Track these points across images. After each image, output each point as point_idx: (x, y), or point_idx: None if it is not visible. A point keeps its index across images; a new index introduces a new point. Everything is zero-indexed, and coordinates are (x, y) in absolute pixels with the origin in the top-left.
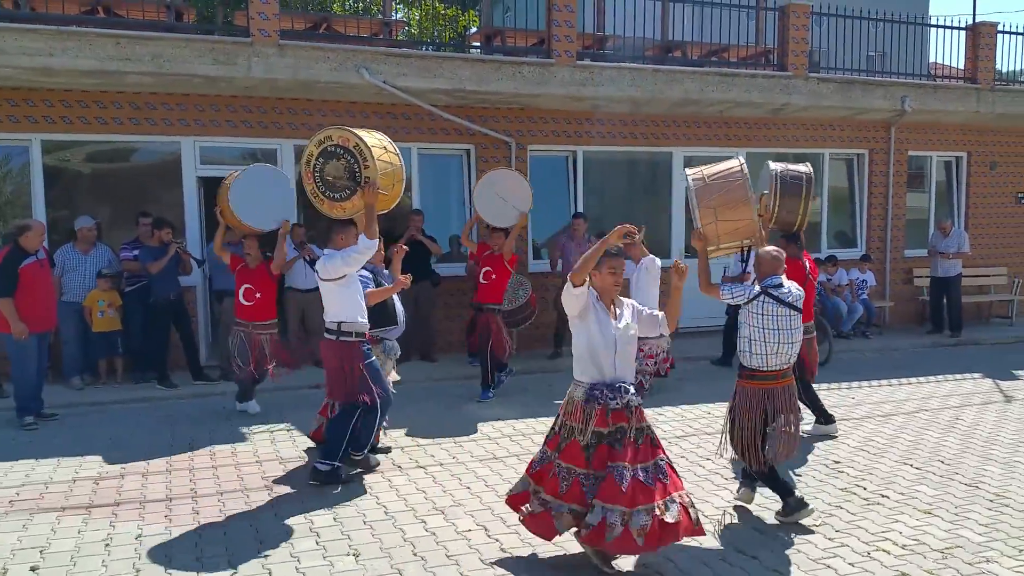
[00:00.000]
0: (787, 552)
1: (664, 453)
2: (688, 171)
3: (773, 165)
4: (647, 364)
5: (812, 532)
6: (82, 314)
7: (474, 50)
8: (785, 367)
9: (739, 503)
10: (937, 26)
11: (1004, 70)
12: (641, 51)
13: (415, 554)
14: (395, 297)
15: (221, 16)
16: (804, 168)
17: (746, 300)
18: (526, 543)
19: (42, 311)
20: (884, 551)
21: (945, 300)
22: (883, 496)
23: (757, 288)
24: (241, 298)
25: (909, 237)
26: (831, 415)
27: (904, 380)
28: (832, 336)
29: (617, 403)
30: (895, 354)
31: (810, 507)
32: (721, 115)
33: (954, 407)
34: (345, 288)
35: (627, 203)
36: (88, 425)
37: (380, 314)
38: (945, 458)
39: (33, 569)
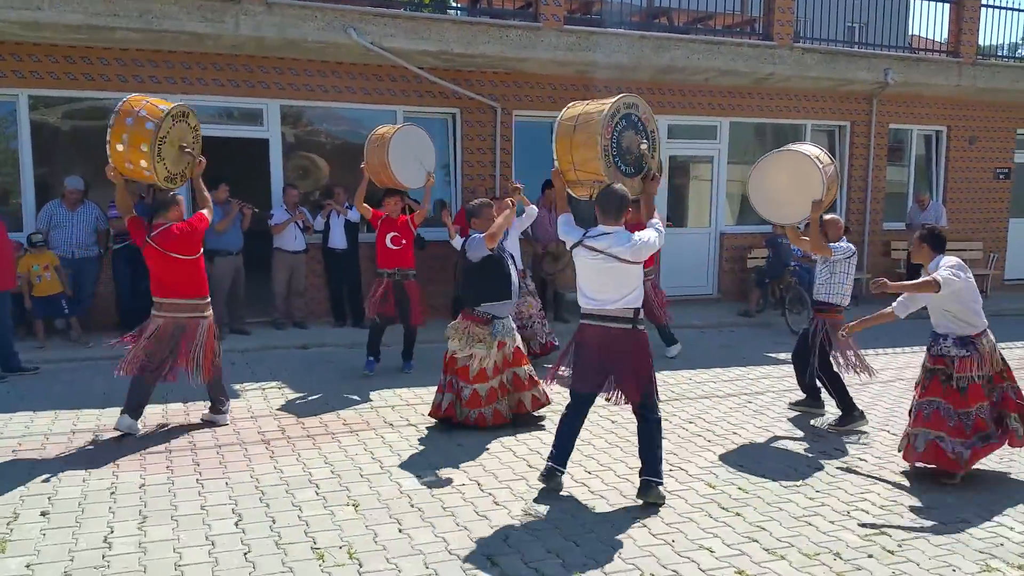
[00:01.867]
0: (770, 511)
1: None
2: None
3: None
4: None
5: (794, 492)
6: (74, 269)
7: (460, 12)
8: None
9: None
10: None
11: (983, 44)
12: (627, 17)
13: (412, 506)
14: (512, 264)
15: None
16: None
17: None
18: (517, 497)
19: (2, 270)
20: (862, 511)
21: (922, 273)
22: (861, 460)
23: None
24: (389, 243)
25: (888, 210)
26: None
27: (881, 350)
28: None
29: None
30: None
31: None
32: (706, 83)
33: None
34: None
35: None
36: (82, 380)
37: (497, 283)
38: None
39: (43, 513)
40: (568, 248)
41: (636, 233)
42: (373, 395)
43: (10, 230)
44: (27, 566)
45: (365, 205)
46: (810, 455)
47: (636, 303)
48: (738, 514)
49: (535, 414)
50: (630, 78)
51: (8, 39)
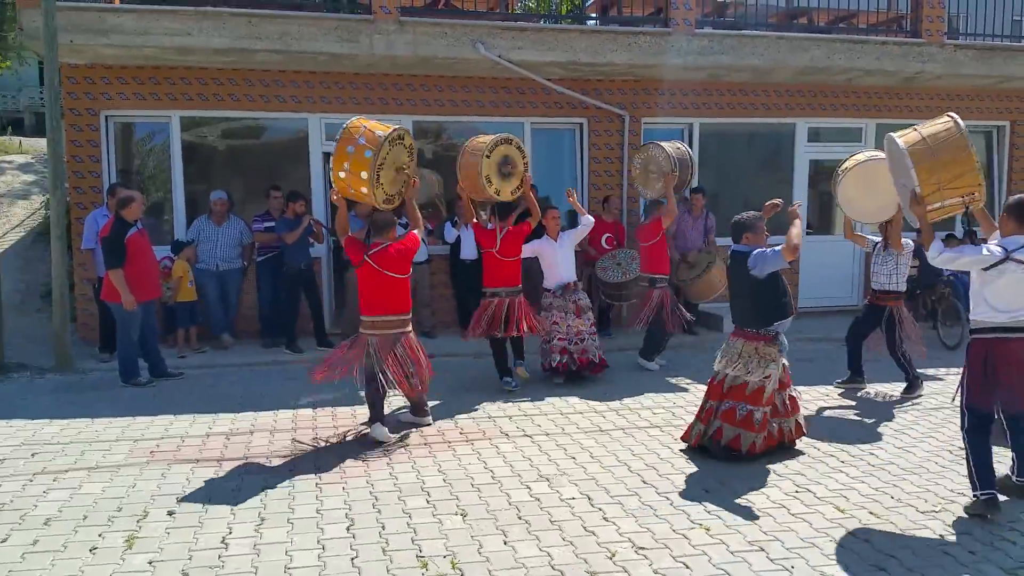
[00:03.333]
0: (903, 539)
1: None
2: (895, 135)
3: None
4: None
5: (932, 517)
6: (218, 279)
7: (591, 22)
8: None
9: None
10: None
11: None
12: (764, 18)
13: (519, 517)
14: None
15: None
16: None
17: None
18: (628, 514)
19: (148, 280)
20: (1010, 541)
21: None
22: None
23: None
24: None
25: None
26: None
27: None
28: (966, 317)
29: None
30: None
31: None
32: (849, 84)
33: None
34: None
35: (746, 178)
36: (222, 385)
37: (786, 297)
38: None
39: (170, 513)
40: (983, 268)
41: None
42: (491, 406)
43: (163, 244)
44: (149, 563)
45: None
46: (953, 479)
47: None
48: (867, 541)
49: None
50: (766, 80)
51: (162, 64)
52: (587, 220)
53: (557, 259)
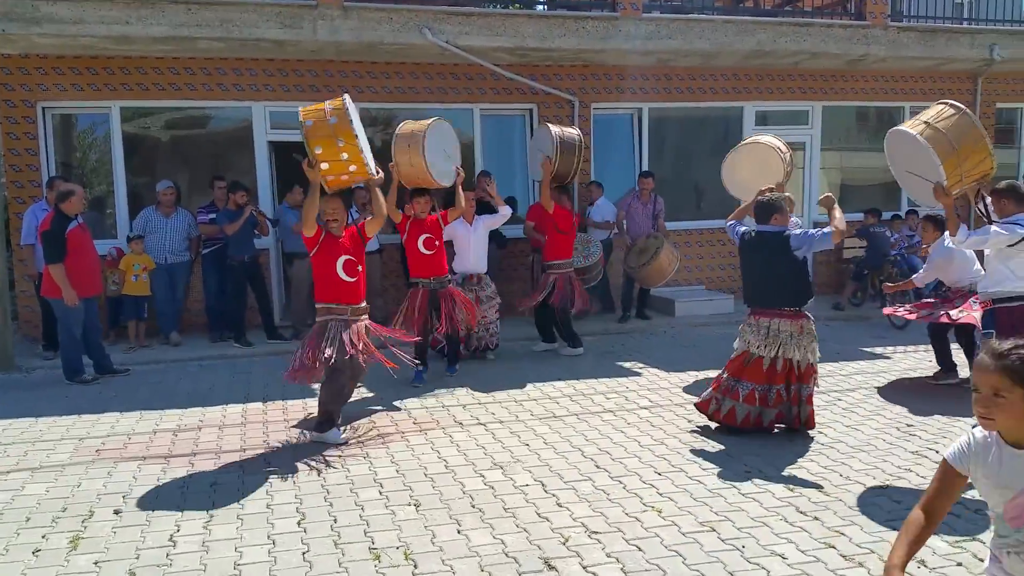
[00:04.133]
0: (851, 515)
1: None
2: (904, 127)
3: (553, 128)
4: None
5: (879, 494)
6: (167, 274)
7: (539, 7)
8: None
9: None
10: None
11: None
12: (712, 2)
13: (473, 506)
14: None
15: None
16: (575, 132)
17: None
18: (582, 499)
19: (89, 276)
20: (955, 515)
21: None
22: None
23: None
24: (422, 247)
25: None
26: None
27: None
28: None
29: None
30: None
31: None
32: (795, 67)
33: None
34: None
35: (696, 161)
36: (169, 381)
37: (810, 281)
38: None
39: (116, 512)
40: (1009, 245)
41: None
42: (446, 393)
43: (104, 237)
44: (95, 563)
45: (396, 209)
46: (900, 456)
47: None
48: (816, 518)
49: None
50: (714, 64)
51: (100, 54)
52: (505, 210)
53: (469, 243)
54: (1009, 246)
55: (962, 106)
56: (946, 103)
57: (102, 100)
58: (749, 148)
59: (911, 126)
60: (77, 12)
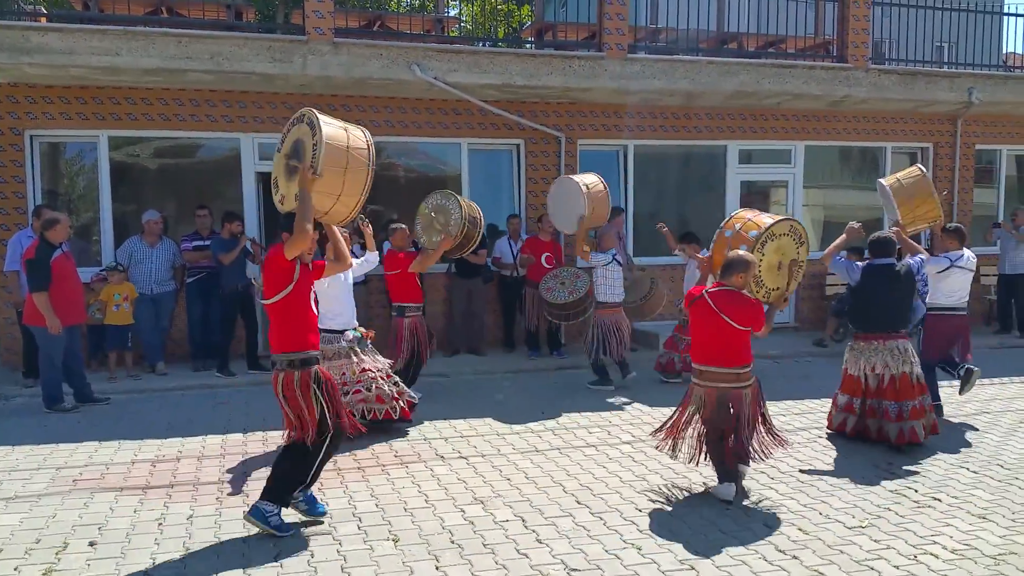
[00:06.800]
0: (830, 555)
1: None
2: (883, 180)
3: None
4: None
5: (859, 533)
6: (152, 304)
7: (528, 46)
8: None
9: None
10: (1012, 15)
11: None
12: (696, 43)
13: (452, 541)
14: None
15: (282, 14)
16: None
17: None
18: (562, 535)
19: (72, 305)
20: (932, 555)
21: (1014, 300)
22: (935, 499)
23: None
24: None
25: (976, 234)
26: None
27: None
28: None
29: None
30: None
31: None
32: (778, 107)
33: (1018, 410)
34: None
35: (680, 198)
36: (149, 411)
37: None
38: (1005, 462)
39: (91, 543)
40: (938, 272)
41: None
42: (428, 426)
43: (90, 265)
44: None
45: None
46: (880, 494)
47: None
48: (795, 557)
49: None
50: (698, 104)
51: (90, 84)
52: (371, 257)
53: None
54: (938, 272)
55: (923, 169)
56: (918, 167)
57: (90, 129)
58: (561, 183)
59: (887, 179)
60: (68, 43)
